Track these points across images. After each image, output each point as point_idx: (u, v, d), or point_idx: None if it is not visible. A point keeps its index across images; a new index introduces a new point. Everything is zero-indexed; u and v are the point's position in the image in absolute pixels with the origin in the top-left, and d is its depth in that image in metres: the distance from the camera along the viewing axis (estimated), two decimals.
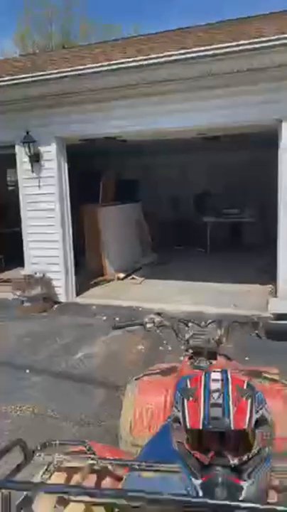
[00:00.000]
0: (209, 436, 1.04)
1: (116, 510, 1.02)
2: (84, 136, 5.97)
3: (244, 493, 0.94)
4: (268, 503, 0.94)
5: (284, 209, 4.83)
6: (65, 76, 5.01)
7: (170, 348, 3.98)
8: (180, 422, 1.07)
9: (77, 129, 5.64)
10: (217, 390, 1.05)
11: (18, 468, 1.15)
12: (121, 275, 7.39)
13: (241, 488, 0.96)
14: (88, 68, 4.92)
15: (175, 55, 4.50)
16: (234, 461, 0.99)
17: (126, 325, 2.01)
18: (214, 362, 1.80)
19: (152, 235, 9.07)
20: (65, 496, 1.05)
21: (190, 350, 1.87)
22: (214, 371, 1.16)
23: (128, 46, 6.59)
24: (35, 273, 5.94)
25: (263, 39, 4.23)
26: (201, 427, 0.97)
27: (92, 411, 2.99)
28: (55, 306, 5.90)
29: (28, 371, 3.81)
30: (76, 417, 2.90)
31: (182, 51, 4.51)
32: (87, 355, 4.14)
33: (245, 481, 0.97)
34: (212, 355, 1.83)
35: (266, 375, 2.01)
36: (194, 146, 8.04)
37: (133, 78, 4.93)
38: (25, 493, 1.10)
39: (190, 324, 2.00)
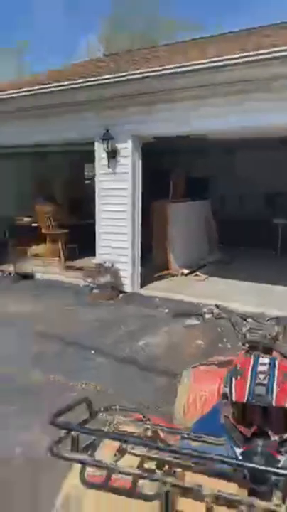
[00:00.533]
0: (253, 412, 1.18)
1: (166, 466, 1.20)
2: (159, 135, 6.16)
3: (280, 465, 1.07)
4: None
5: None
6: (146, 77, 5.25)
7: (229, 346, 4.06)
8: (227, 398, 1.22)
9: (153, 127, 5.85)
10: (263, 372, 1.19)
11: (84, 422, 1.38)
12: (186, 271, 7.53)
13: (278, 461, 1.09)
14: (166, 69, 5.10)
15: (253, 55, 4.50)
16: (275, 438, 1.13)
17: (185, 314, 2.17)
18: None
19: (219, 233, 9.08)
20: (124, 446, 1.25)
21: (247, 345, 1.99)
22: (262, 356, 1.30)
23: (208, 44, 6.66)
24: (105, 262, 6.31)
25: None
26: (245, 401, 1.12)
27: (151, 396, 3.19)
28: (121, 295, 6.22)
29: (93, 352, 4.13)
30: (134, 400, 3.13)
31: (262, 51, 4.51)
32: (149, 344, 4.37)
33: (283, 455, 1.10)
34: (268, 351, 1.92)
35: None
36: (267, 145, 7.88)
37: (215, 78, 5.01)
38: (93, 438, 1.32)
39: (248, 319, 2.11)
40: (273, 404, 1.11)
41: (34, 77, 8.69)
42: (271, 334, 1.96)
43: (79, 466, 1.43)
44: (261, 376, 1.20)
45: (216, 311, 2.23)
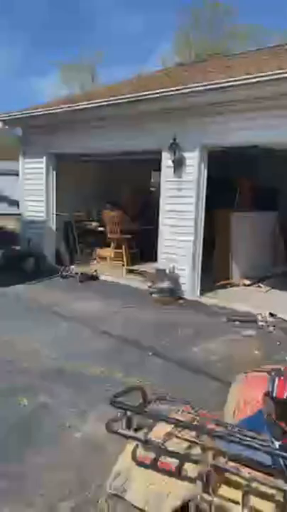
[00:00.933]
0: None
1: (211, 452, 1.32)
2: (226, 145, 6.21)
3: None
4: None
5: None
6: (214, 88, 5.37)
7: (286, 358, 4.00)
8: (270, 396, 1.31)
9: (222, 137, 5.93)
10: None
11: (138, 407, 1.54)
12: (247, 282, 7.44)
13: None
14: (234, 81, 5.19)
15: None
16: None
17: (240, 319, 2.25)
18: None
19: (284, 247, 8.81)
20: (173, 430, 1.39)
21: None
22: None
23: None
24: (165, 268, 6.47)
25: None
26: (285, 397, 1.21)
27: (202, 398, 3.26)
28: (180, 300, 6.33)
29: (150, 353, 4.29)
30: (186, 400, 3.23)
31: None
32: (205, 349, 4.44)
33: None
34: None
35: None
36: None
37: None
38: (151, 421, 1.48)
39: None
40: None
41: (106, 88, 9.17)
42: None
43: (131, 446, 1.60)
44: None
45: (270, 319, 2.29)
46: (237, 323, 5.05)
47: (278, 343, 4.40)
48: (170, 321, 5.46)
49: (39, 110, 7.94)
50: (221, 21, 25.08)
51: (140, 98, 6.25)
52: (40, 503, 2.19)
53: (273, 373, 1.40)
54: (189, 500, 1.32)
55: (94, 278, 7.66)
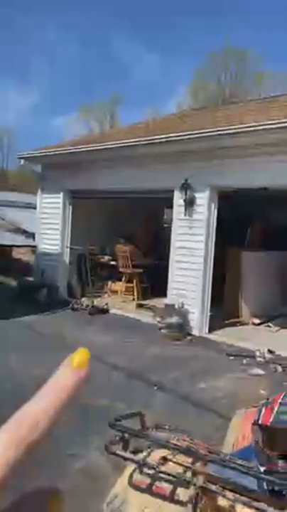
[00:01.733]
0: (279, 438, 1.35)
1: (202, 476, 1.40)
2: (236, 186, 6.45)
3: None
4: None
5: None
6: (220, 134, 5.68)
7: None
8: (257, 424, 1.41)
9: (230, 180, 6.18)
10: None
11: (137, 431, 1.64)
12: (257, 320, 7.44)
13: None
14: (238, 128, 5.49)
15: None
16: None
17: (239, 354, 2.34)
18: None
19: None
20: (169, 456, 1.49)
21: None
22: None
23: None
24: (175, 304, 6.56)
25: None
26: (269, 424, 1.31)
27: (205, 433, 3.28)
28: (188, 337, 6.36)
29: (155, 388, 4.33)
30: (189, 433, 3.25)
31: None
32: (210, 387, 4.45)
33: None
34: None
35: None
36: None
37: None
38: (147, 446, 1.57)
39: None
40: None
41: (121, 130, 9.67)
42: None
43: (129, 470, 1.69)
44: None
45: (268, 355, 2.38)
46: (245, 361, 5.07)
47: (285, 383, 4.40)
48: (178, 356, 5.49)
49: (52, 150, 8.46)
50: (245, 67, 26.18)
51: (151, 141, 6.62)
52: None
53: (262, 403, 1.50)
54: None
55: (104, 311, 7.77)
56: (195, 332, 6.47)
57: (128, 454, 1.52)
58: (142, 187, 7.43)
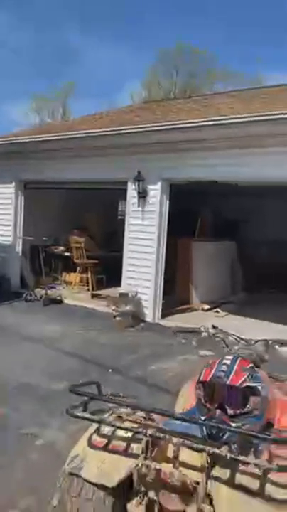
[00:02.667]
0: (217, 392, 1.59)
1: (152, 429, 1.61)
2: (185, 180, 6.71)
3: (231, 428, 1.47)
4: (248, 434, 1.44)
5: None
6: (172, 128, 5.93)
7: None
8: (198, 382, 1.64)
9: (182, 173, 6.45)
10: (225, 364, 1.62)
11: (96, 395, 1.83)
12: (206, 307, 7.85)
13: (230, 425, 1.50)
14: (189, 123, 5.80)
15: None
16: (230, 412, 1.54)
17: (185, 330, 2.59)
18: None
19: (245, 276, 9.33)
20: (124, 415, 1.68)
21: None
22: (228, 356, 1.73)
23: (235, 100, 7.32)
24: (129, 292, 6.77)
25: None
26: (208, 380, 1.54)
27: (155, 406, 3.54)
28: (142, 324, 6.62)
29: (110, 371, 4.53)
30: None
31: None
32: (162, 368, 4.72)
33: (234, 423, 1.52)
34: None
35: None
36: None
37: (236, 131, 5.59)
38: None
39: (241, 341, 2.50)
40: (227, 383, 1.53)
41: (74, 121, 9.67)
42: (258, 353, 2.35)
43: (87, 434, 1.88)
44: (223, 367, 1.62)
45: (212, 330, 2.64)
46: (194, 343, 5.39)
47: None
48: (132, 342, 5.72)
49: (2, 140, 8.31)
50: (197, 65, 26.63)
51: (103, 134, 6.75)
52: None
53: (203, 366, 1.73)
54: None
55: (58, 301, 7.82)
56: (149, 319, 6.74)
57: (87, 414, 1.70)
58: (95, 178, 7.53)
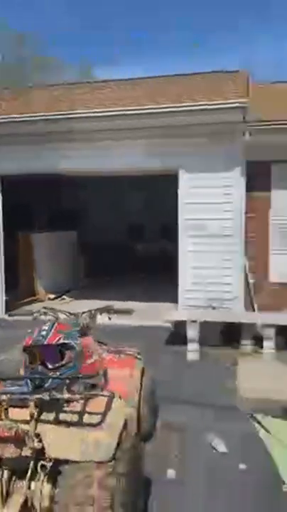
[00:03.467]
0: (39, 354, 1.92)
1: None
2: (19, 172, 6.72)
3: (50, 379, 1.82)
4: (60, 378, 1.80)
5: (188, 239, 5.85)
6: None
7: None
8: (23, 349, 1.94)
9: (10, 165, 6.44)
10: (44, 330, 1.96)
11: None
12: (52, 296, 8.10)
13: (47, 374, 1.85)
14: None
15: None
16: (50, 366, 1.89)
17: (20, 313, 2.85)
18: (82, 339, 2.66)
19: (86, 262, 9.82)
20: None
21: None
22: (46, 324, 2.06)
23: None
24: None
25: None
26: (29, 344, 1.86)
27: None
28: None
29: None
30: None
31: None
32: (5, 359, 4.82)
33: (54, 373, 1.87)
34: (82, 335, 2.69)
35: (126, 352, 2.94)
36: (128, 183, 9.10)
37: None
38: None
39: (71, 315, 2.86)
40: (45, 342, 1.87)
41: None
42: (84, 323, 2.74)
43: None
44: (43, 332, 1.95)
45: (42, 310, 2.95)
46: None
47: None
48: None
49: None
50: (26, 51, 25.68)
51: None
52: None
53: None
54: None
55: None
56: None
57: None
58: None
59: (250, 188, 5.79)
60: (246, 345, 5.02)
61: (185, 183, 5.82)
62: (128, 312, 2.83)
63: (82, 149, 6.09)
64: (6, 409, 1.73)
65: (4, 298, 6.92)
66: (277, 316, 5.17)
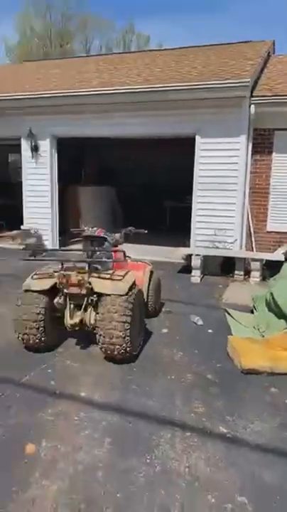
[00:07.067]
0: (92, 242, 3.69)
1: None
2: (67, 135, 8.36)
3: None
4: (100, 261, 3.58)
5: (199, 192, 7.35)
6: (58, 96, 7.52)
7: None
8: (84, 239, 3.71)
9: (64, 130, 8.10)
10: (93, 229, 3.74)
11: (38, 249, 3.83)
12: None
13: (95, 252, 3.63)
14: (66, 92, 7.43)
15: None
16: (97, 248, 3.67)
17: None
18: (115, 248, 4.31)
19: (123, 214, 11.49)
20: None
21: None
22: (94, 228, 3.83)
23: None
24: (30, 229, 8.45)
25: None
26: (86, 235, 3.63)
27: None
28: (43, 254, 8.39)
29: None
30: None
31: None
32: None
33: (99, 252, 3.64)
34: (114, 246, 4.37)
35: (142, 261, 4.65)
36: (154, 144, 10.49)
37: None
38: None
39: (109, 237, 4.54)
40: (95, 234, 3.62)
41: None
42: (116, 238, 4.39)
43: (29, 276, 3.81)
44: (93, 230, 3.71)
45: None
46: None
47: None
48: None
49: None
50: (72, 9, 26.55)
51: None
52: None
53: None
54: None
55: None
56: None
57: (32, 258, 3.64)
58: None
59: (255, 151, 7.14)
60: (239, 275, 6.62)
61: (201, 146, 7.23)
62: (143, 232, 4.50)
63: (124, 118, 7.61)
64: (74, 269, 3.50)
65: (58, 238, 8.81)
66: (265, 254, 6.68)
